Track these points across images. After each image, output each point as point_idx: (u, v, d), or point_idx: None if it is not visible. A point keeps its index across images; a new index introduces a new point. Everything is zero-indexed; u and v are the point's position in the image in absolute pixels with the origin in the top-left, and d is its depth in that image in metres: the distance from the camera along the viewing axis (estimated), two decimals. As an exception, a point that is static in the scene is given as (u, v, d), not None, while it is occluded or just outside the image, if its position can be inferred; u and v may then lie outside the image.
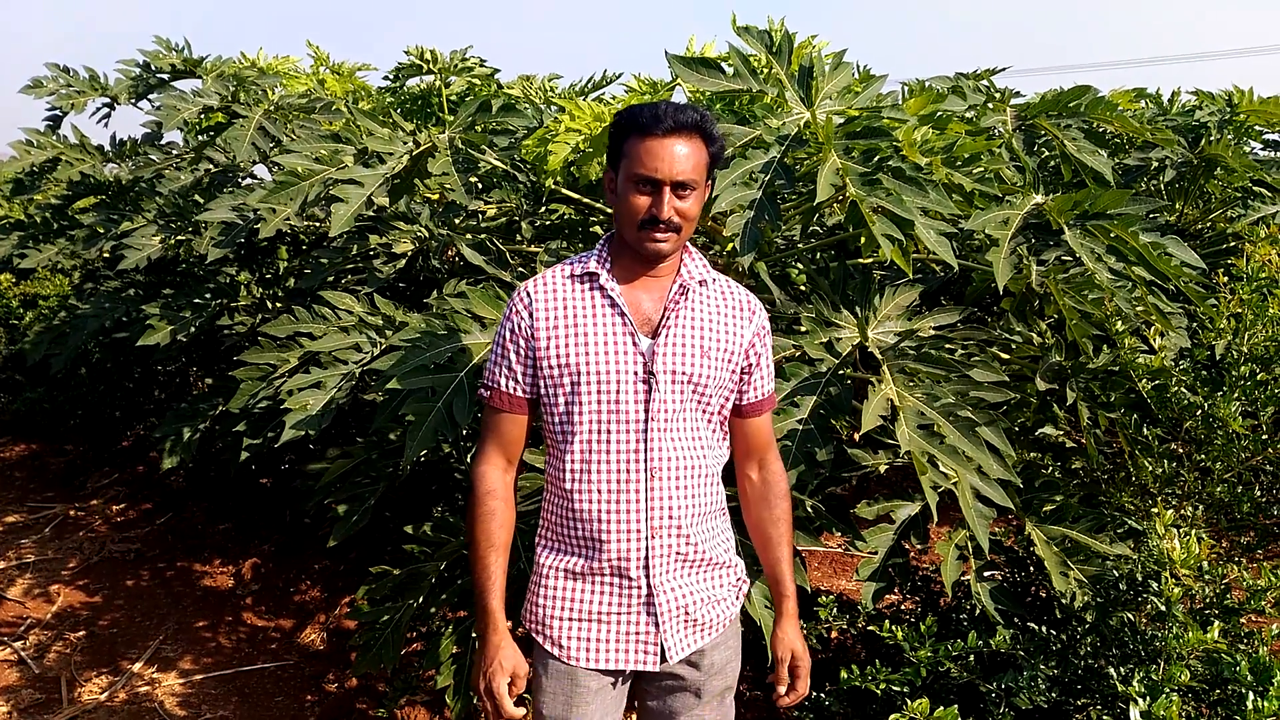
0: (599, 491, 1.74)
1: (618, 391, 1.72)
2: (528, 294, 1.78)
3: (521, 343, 1.77)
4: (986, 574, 2.50)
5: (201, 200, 4.24)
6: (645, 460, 1.73)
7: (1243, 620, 2.06)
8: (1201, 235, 4.21)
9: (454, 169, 2.70)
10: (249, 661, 3.64)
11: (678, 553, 1.78)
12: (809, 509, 2.53)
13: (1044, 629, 2.27)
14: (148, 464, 5.95)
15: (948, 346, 2.52)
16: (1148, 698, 1.80)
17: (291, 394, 2.59)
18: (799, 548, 2.52)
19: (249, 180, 4.56)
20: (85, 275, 6.30)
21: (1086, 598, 2.30)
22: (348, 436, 3.76)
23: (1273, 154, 4.56)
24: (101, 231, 4.37)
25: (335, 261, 3.26)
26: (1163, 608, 1.96)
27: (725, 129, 2.36)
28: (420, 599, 2.57)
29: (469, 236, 2.81)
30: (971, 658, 2.21)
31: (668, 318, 1.76)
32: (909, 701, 2.00)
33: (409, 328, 2.41)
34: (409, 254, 3.18)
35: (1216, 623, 1.83)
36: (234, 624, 3.95)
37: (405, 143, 2.79)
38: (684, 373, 1.74)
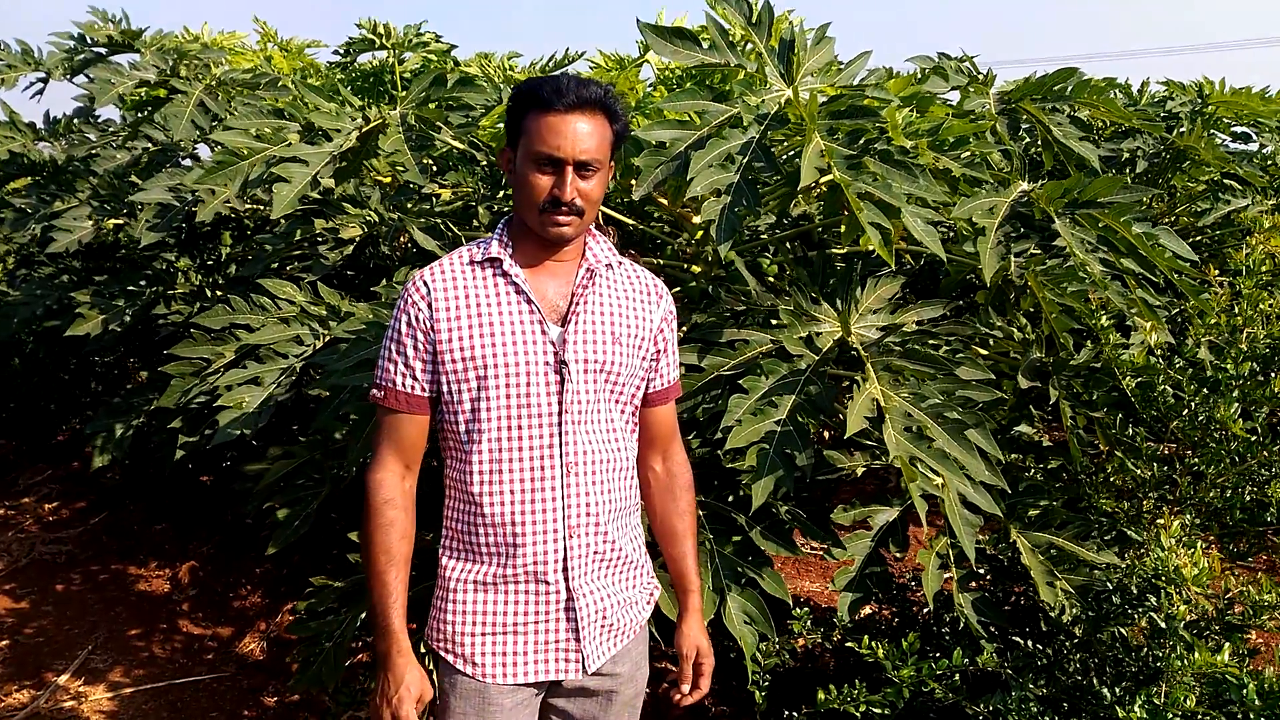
0: (511, 493, 1.61)
1: (528, 384, 1.60)
2: (424, 283, 1.63)
3: (420, 336, 1.62)
4: (970, 584, 2.37)
5: (139, 181, 4.00)
6: (560, 456, 1.61)
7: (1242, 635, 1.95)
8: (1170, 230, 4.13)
9: (406, 147, 2.51)
10: (183, 673, 3.43)
11: (595, 552, 1.67)
12: (783, 514, 2.39)
13: (1030, 643, 2.15)
14: (83, 460, 5.67)
15: (932, 342, 2.38)
16: (1152, 723, 1.68)
17: (225, 390, 2.38)
18: (774, 554, 2.37)
19: (190, 160, 4.33)
20: (20, 260, 6.00)
21: (1075, 610, 2.18)
22: (293, 435, 3.56)
23: (1242, 146, 4.49)
24: (30, 213, 4.11)
25: (279, 248, 3.05)
26: (1163, 624, 1.83)
27: (700, 107, 2.20)
28: (365, 610, 2.39)
29: (422, 220, 2.62)
30: (956, 677, 2.07)
31: (576, 304, 1.65)
32: (894, 726, 1.86)
33: (354, 318, 2.22)
34: (357, 239, 2.98)
35: (1226, 645, 1.70)
36: (169, 632, 3.73)
37: (354, 119, 2.59)
38: (596, 361, 1.64)
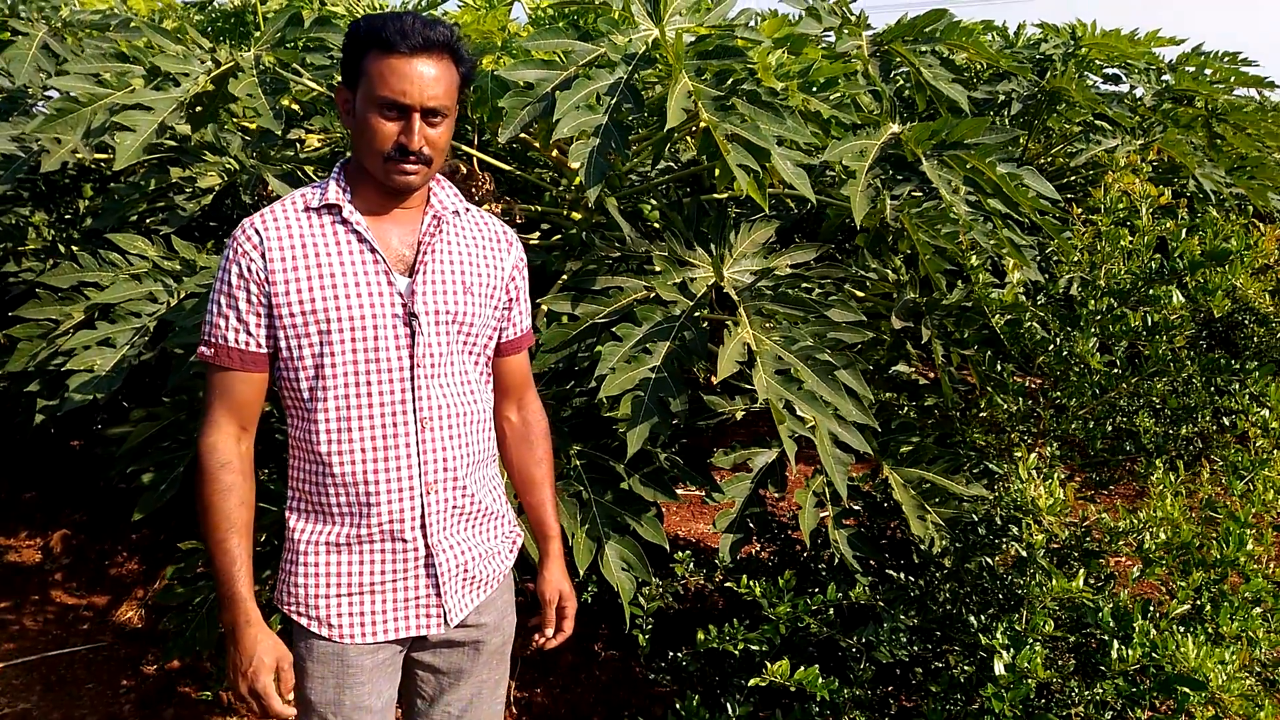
0: (363, 451, 1.55)
1: (376, 338, 1.53)
2: (256, 231, 1.54)
3: (253, 289, 1.52)
4: (845, 521, 2.42)
5: (-16, 130, 3.74)
6: (414, 412, 1.56)
7: (1100, 561, 2.03)
8: (1044, 170, 4.23)
9: (261, 91, 2.38)
10: (58, 644, 3.29)
11: (454, 506, 1.63)
12: (663, 461, 2.39)
13: (902, 575, 2.20)
14: (-57, 427, 5.36)
15: (804, 285, 2.40)
16: (1011, 649, 1.74)
17: (79, 352, 2.26)
18: (659, 502, 2.38)
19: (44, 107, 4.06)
20: None
21: (945, 542, 2.25)
22: (157, 397, 3.41)
23: (1114, 88, 4.61)
24: None
25: (132, 199, 2.88)
26: (1024, 553, 1.90)
27: (567, 46, 2.14)
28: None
29: (280, 168, 2.51)
30: (831, 611, 2.12)
31: (424, 253, 1.59)
32: (769, 664, 1.89)
33: (206, 271, 2.12)
34: (217, 188, 2.83)
35: (1081, 570, 1.77)
36: (41, 603, 3.57)
37: (203, 62, 2.45)
38: (448, 312, 1.59)
